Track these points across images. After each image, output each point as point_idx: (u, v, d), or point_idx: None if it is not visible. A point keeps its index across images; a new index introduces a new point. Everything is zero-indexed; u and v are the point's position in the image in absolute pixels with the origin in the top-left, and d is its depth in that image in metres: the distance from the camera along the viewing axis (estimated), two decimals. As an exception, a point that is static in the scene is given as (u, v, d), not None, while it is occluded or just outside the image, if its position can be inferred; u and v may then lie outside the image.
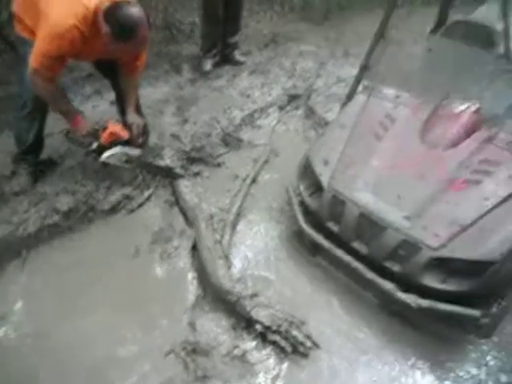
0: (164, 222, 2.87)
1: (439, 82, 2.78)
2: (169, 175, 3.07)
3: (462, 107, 2.57)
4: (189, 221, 2.84)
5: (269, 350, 2.19)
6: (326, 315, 2.42)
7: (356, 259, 2.37)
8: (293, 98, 4.38)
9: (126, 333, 2.23)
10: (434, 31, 3.74)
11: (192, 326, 2.26)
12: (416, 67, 2.91)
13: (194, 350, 2.14)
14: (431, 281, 2.19)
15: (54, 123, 3.23)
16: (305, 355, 2.16)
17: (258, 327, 2.18)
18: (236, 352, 2.17)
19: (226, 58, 4.81)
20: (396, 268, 2.27)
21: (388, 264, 2.29)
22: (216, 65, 4.71)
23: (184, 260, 2.63)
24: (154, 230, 2.79)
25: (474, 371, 2.21)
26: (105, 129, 2.58)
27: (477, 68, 2.72)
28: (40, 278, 2.47)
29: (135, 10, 2.25)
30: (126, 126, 2.73)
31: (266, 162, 3.54)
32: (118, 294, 2.42)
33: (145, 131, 2.81)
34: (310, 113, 4.20)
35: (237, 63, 4.83)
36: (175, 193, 3.04)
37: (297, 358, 2.16)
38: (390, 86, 2.90)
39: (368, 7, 7.50)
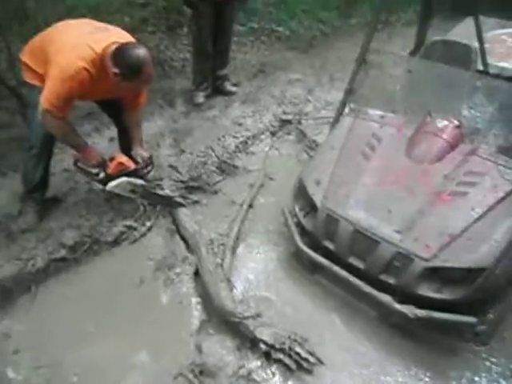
0: (166, 250, 2.94)
1: (421, 101, 2.91)
2: (171, 204, 3.15)
3: (444, 123, 2.70)
4: (190, 247, 2.91)
5: (274, 368, 2.24)
6: (327, 331, 2.47)
7: (353, 275, 2.44)
8: (284, 123, 4.52)
9: (135, 358, 2.28)
10: (413, 52, 3.88)
11: (198, 348, 2.31)
12: (398, 88, 3.04)
13: (202, 372, 2.19)
14: (426, 291, 2.27)
15: (57, 163, 3.38)
16: (309, 372, 2.20)
17: (262, 346, 2.23)
18: (242, 372, 2.21)
19: (217, 90, 4.96)
20: (391, 280, 2.35)
21: (384, 277, 2.37)
22: (208, 97, 4.84)
23: (187, 285, 2.69)
24: (157, 259, 2.86)
25: (475, 378, 2.26)
26: (112, 159, 2.69)
27: (456, 85, 2.84)
28: (50, 310, 2.53)
29: (141, 51, 2.39)
30: (132, 157, 2.84)
31: (262, 186, 3.64)
32: (125, 322, 2.47)
33: (150, 162, 2.91)
34: (302, 136, 4.33)
35: (228, 94, 4.98)
36: (175, 221, 3.12)
37: (301, 374, 2.20)
38: (374, 107, 3.03)
39: (350, 32, 7.74)
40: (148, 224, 3.10)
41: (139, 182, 2.78)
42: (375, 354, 2.37)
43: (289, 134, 4.47)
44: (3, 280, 2.50)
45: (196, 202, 3.38)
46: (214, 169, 3.71)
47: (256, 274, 2.83)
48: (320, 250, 2.64)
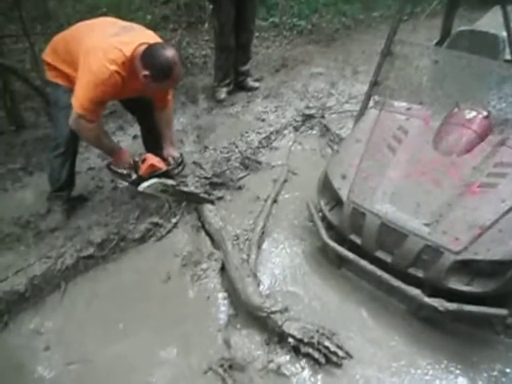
0: (192, 246, 2.96)
1: (448, 92, 2.86)
2: (200, 202, 3.17)
3: (473, 114, 2.65)
4: (215, 243, 2.92)
5: (303, 362, 2.24)
6: (355, 325, 2.46)
7: (381, 268, 2.42)
8: (307, 118, 4.50)
9: (164, 354, 2.31)
10: (439, 43, 3.82)
11: (227, 343, 2.32)
12: (424, 79, 2.99)
13: (231, 367, 2.19)
14: (456, 284, 2.24)
15: (82, 162, 3.45)
16: (338, 365, 2.19)
17: (291, 340, 2.22)
18: (271, 366, 2.22)
19: (239, 86, 4.97)
20: (420, 274, 2.33)
21: (412, 270, 2.35)
22: (230, 93, 4.86)
23: (214, 281, 2.71)
24: (183, 255, 2.88)
25: (506, 370, 2.23)
26: (144, 161, 2.70)
27: (484, 75, 2.79)
28: (79, 307, 2.57)
29: (170, 52, 2.38)
30: (163, 157, 2.85)
31: (286, 181, 3.64)
32: (154, 318, 2.49)
33: (181, 162, 2.93)
34: (325, 131, 4.31)
35: (250, 89, 4.99)
36: (201, 218, 3.14)
37: (330, 368, 2.20)
38: (400, 99, 2.99)
39: (372, 25, 7.68)
40: (173, 221, 3.12)
41: (170, 182, 2.80)
42: (404, 347, 2.35)
43: (312, 128, 4.45)
44: (33, 278, 2.54)
45: (220, 198, 3.39)
46: (237, 165, 3.73)
47: (282, 269, 2.83)
48: (346, 244, 2.63)
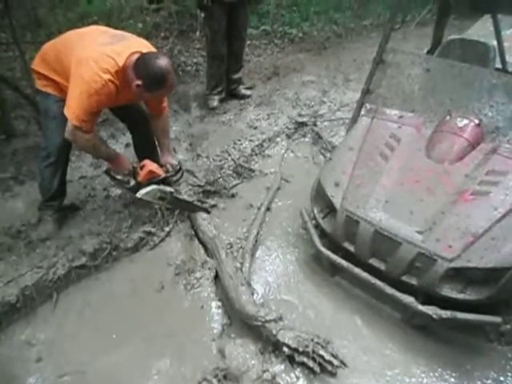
0: (185, 254, 2.94)
1: (440, 100, 2.88)
2: (197, 210, 3.16)
3: (465, 122, 2.67)
4: (209, 252, 2.91)
5: (298, 371, 2.23)
6: (350, 334, 2.46)
7: (374, 276, 2.42)
8: (299, 125, 4.52)
9: (158, 364, 2.29)
10: (430, 51, 3.85)
11: (221, 352, 2.31)
12: (416, 88, 3.01)
13: (226, 377, 2.18)
14: (450, 291, 2.25)
15: (74, 171, 3.43)
16: (333, 374, 2.18)
17: (286, 350, 2.22)
18: (266, 376, 2.20)
19: (231, 94, 4.99)
20: (414, 281, 2.33)
21: (406, 278, 2.36)
22: (222, 100, 4.87)
23: (208, 290, 2.69)
24: (176, 264, 2.87)
25: (500, 378, 2.23)
26: (142, 167, 2.70)
27: (475, 83, 2.82)
28: (71, 318, 2.54)
29: (163, 61, 2.35)
30: (161, 165, 2.85)
31: (279, 189, 3.65)
32: (147, 328, 2.48)
33: (179, 170, 2.92)
34: (317, 138, 4.33)
35: (242, 97, 5.00)
36: (194, 226, 3.13)
37: (325, 377, 2.19)
38: (392, 107, 3.01)
39: (363, 33, 7.75)
40: (166, 229, 3.11)
41: (168, 189, 2.80)
42: (399, 355, 2.35)
43: (304, 136, 4.47)
44: (25, 288, 2.51)
45: (213, 206, 3.39)
46: (230, 172, 3.73)
47: (276, 277, 2.83)
48: (340, 252, 2.63)
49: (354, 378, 2.23)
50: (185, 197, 3.21)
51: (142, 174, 2.68)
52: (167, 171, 2.85)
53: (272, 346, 2.30)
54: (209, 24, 4.35)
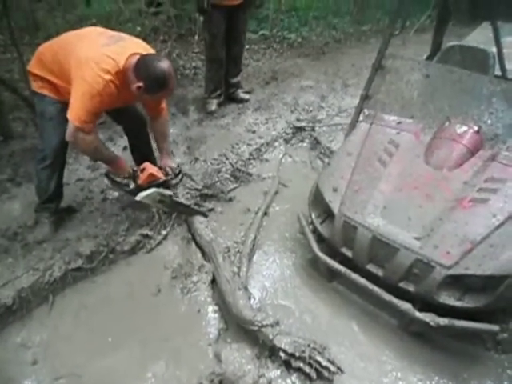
0: (182, 258, 2.93)
1: (439, 106, 2.89)
2: (195, 214, 3.15)
3: (464, 128, 2.67)
4: (206, 255, 2.90)
5: (294, 377, 2.22)
6: (346, 340, 2.45)
7: (372, 282, 2.41)
8: (297, 130, 4.53)
9: (154, 368, 2.27)
10: (429, 57, 3.87)
11: (217, 357, 2.30)
12: (415, 94, 3.02)
13: (221, 382, 2.17)
14: (447, 299, 2.24)
15: (71, 173, 3.43)
16: (329, 380, 2.18)
17: (282, 355, 2.21)
18: (262, 381, 2.19)
19: (230, 97, 5.00)
20: (411, 288, 2.32)
21: (403, 284, 2.35)
22: (221, 104, 4.88)
23: (204, 294, 2.69)
24: (173, 267, 2.86)
25: (496, 387, 2.23)
26: (142, 170, 2.68)
27: (475, 90, 2.82)
28: (67, 320, 2.52)
29: (165, 64, 2.35)
30: (160, 168, 2.83)
31: (276, 193, 3.64)
32: (143, 331, 2.46)
33: (179, 173, 2.91)
34: (315, 143, 4.34)
35: (241, 101, 5.01)
36: (191, 229, 3.12)
37: (322, 383, 2.18)
38: (391, 113, 3.01)
39: (362, 38, 7.77)
40: (164, 232, 3.10)
41: (168, 192, 2.78)
42: (396, 362, 2.34)
43: (302, 140, 4.48)
44: (21, 290, 2.50)
45: (211, 210, 3.39)
46: (228, 176, 3.72)
47: (273, 282, 2.82)
48: (337, 257, 2.62)
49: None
50: (183, 200, 3.20)
51: (142, 177, 2.66)
52: (167, 174, 2.84)
53: (268, 351, 2.29)
54: (208, 28, 4.35)
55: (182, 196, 3.29)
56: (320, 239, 2.76)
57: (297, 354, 2.18)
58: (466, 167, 2.54)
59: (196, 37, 6.55)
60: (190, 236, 3.11)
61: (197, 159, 3.83)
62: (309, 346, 2.21)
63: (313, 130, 4.52)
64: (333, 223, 2.59)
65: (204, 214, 3.19)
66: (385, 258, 2.39)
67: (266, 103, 5.02)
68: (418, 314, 2.24)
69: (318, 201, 2.79)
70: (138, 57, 2.36)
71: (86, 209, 3.16)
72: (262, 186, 3.75)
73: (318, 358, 2.18)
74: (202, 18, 4.74)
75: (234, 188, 3.70)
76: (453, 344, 2.41)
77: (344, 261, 2.58)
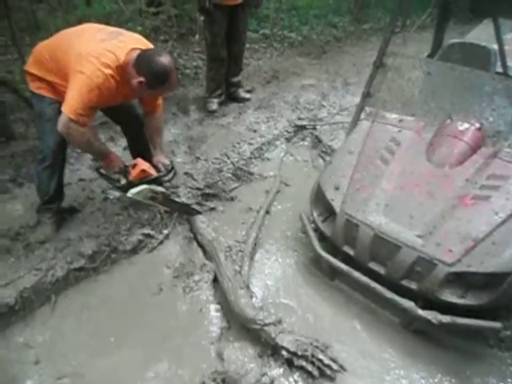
0: (184, 257, 2.93)
1: (440, 104, 2.88)
2: (188, 212, 3.14)
3: (465, 126, 2.67)
4: (208, 254, 2.90)
5: (296, 375, 2.22)
6: (349, 338, 2.45)
7: (374, 280, 2.42)
8: (298, 129, 4.53)
9: (156, 367, 2.27)
10: (431, 55, 3.86)
11: (220, 356, 2.30)
12: (417, 91, 3.01)
13: (224, 380, 2.17)
14: (450, 296, 2.24)
15: (72, 173, 3.43)
16: (332, 378, 2.17)
17: (284, 353, 2.21)
18: (264, 379, 2.19)
19: (231, 97, 5.00)
20: (414, 286, 2.33)
21: (405, 282, 2.35)
22: (222, 104, 4.88)
23: (206, 293, 2.68)
24: (175, 266, 2.86)
25: (500, 384, 2.23)
26: (134, 166, 2.66)
27: (476, 87, 2.82)
28: (69, 320, 2.52)
29: (166, 58, 2.34)
30: (153, 165, 2.81)
31: (278, 192, 3.64)
32: (145, 330, 2.46)
33: (171, 169, 2.88)
34: (317, 142, 4.34)
35: (242, 100, 5.01)
36: (193, 229, 3.12)
37: (324, 381, 2.18)
38: (392, 111, 3.01)
39: (363, 37, 7.76)
40: (165, 232, 3.10)
41: (160, 189, 2.75)
42: (398, 360, 2.34)
43: (303, 139, 4.49)
44: (23, 290, 2.49)
45: (212, 209, 3.39)
46: (229, 175, 3.72)
47: (275, 281, 2.82)
48: (339, 256, 2.63)
49: (353, 382, 2.21)
50: (182, 199, 3.19)
51: (133, 173, 2.63)
52: (159, 171, 2.81)
53: (271, 349, 2.29)
54: (209, 27, 4.35)
55: (184, 195, 3.30)
56: (322, 238, 2.76)
57: (299, 353, 2.18)
58: (467, 164, 2.54)
59: (197, 36, 6.55)
60: (191, 235, 3.11)
61: (198, 158, 3.83)
62: (311, 344, 2.21)
63: (314, 128, 4.53)
64: (335, 221, 2.59)
65: (198, 212, 3.17)
66: (387, 256, 2.39)
67: (267, 102, 5.01)
68: (420, 312, 2.24)
69: (319, 199, 2.79)
70: (138, 52, 2.36)
71: (87, 209, 3.15)
72: (264, 184, 3.76)
73: (321, 356, 2.18)
74: (202, 18, 4.73)
75: (236, 187, 3.70)
76: (455, 341, 2.41)
77: (346, 259, 2.58)
